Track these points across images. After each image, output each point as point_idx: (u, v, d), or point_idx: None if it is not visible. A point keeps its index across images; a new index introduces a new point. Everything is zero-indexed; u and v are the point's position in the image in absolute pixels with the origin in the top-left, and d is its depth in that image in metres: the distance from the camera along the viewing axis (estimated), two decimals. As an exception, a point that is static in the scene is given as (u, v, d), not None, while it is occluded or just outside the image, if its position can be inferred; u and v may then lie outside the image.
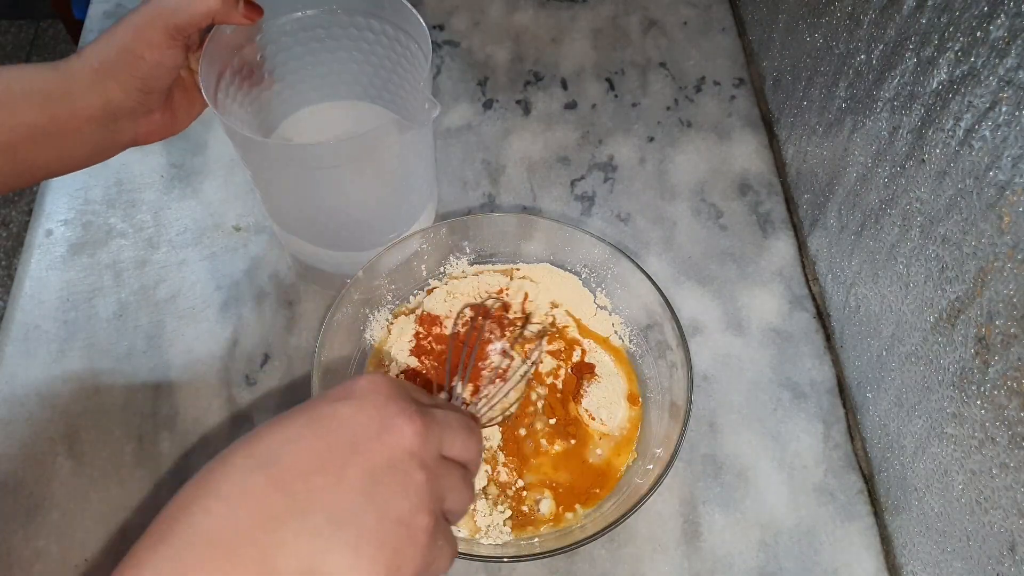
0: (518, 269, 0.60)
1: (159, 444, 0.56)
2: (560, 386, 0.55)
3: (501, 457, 0.52)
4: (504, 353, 0.55)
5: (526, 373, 0.54)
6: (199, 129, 0.71)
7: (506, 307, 0.58)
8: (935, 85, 0.46)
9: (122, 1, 0.80)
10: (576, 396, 0.54)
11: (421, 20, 0.50)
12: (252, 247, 0.65)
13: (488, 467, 0.52)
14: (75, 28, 1.46)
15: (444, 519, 0.34)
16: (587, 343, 0.57)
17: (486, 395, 0.52)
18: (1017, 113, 0.38)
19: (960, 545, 0.45)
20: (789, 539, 0.54)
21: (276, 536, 0.29)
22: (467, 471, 0.36)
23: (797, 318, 0.63)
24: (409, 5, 0.51)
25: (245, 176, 0.67)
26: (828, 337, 0.62)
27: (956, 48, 0.43)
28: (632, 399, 0.55)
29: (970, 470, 0.43)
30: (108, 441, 0.56)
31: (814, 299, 0.64)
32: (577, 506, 0.51)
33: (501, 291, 0.58)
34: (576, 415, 0.54)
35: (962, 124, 0.43)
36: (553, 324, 0.58)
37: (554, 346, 0.56)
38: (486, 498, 0.51)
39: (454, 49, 0.78)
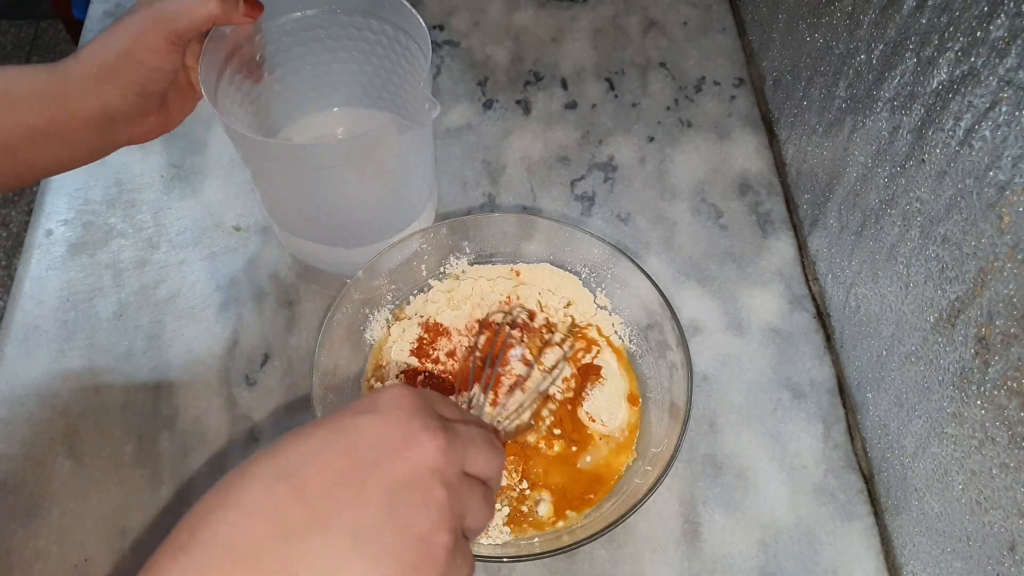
0: (519, 272, 0.60)
1: (159, 444, 0.56)
2: (571, 395, 0.55)
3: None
4: (525, 361, 0.55)
5: (546, 389, 0.54)
6: (199, 129, 0.71)
7: (532, 316, 0.57)
8: (935, 85, 0.46)
9: (122, 1, 0.80)
10: (578, 399, 0.54)
11: (421, 20, 0.50)
12: (252, 247, 0.65)
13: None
14: (75, 28, 1.46)
15: (463, 537, 0.34)
16: (602, 341, 0.57)
17: (506, 405, 0.52)
18: (1017, 113, 0.38)
19: (960, 545, 0.45)
20: (789, 539, 0.54)
21: (296, 550, 0.29)
22: (488, 488, 0.36)
23: (797, 318, 0.63)
24: (409, 5, 0.51)
25: (245, 176, 0.67)
26: (828, 337, 0.62)
27: (956, 48, 0.43)
28: (632, 399, 0.55)
29: (970, 470, 0.43)
30: (108, 441, 0.56)
31: (814, 299, 0.64)
32: (569, 512, 0.51)
33: (508, 299, 0.58)
34: (577, 418, 0.54)
35: (962, 124, 0.43)
36: (575, 325, 0.58)
37: (577, 345, 0.57)
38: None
39: (454, 49, 0.78)
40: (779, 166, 0.71)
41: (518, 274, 0.59)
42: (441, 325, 0.57)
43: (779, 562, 0.53)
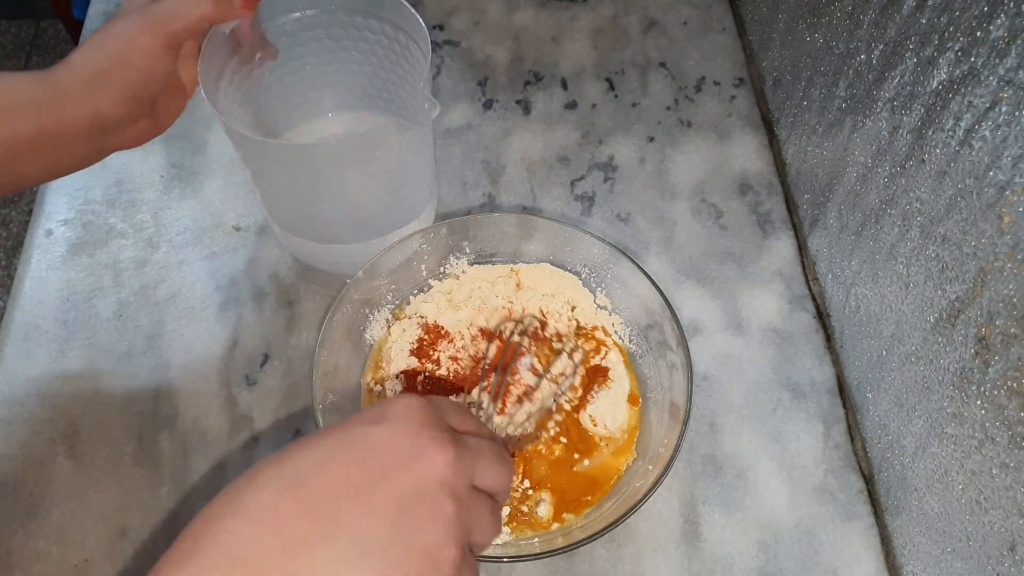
0: (518, 271, 0.60)
1: (159, 444, 0.56)
2: (577, 402, 0.55)
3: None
4: (534, 370, 0.55)
5: (556, 400, 0.54)
6: (199, 129, 0.71)
7: (543, 325, 0.57)
8: (935, 85, 0.46)
9: (121, 1, 0.80)
10: (583, 403, 0.54)
11: (421, 20, 0.50)
12: (252, 247, 0.65)
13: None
14: (75, 28, 1.46)
15: (470, 551, 0.34)
16: (608, 341, 0.57)
17: (515, 416, 0.52)
18: (1017, 113, 0.38)
19: (960, 545, 0.45)
20: (789, 539, 0.54)
21: (302, 560, 0.28)
22: (495, 503, 0.35)
23: (797, 318, 0.63)
24: (409, 5, 0.51)
25: (245, 176, 0.67)
26: (828, 337, 0.62)
27: (956, 48, 0.43)
28: (632, 399, 0.55)
29: (970, 470, 0.43)
30: (108, 441, 0.56)
31: (814, 299, 0.64)
32: (569, 512, 0.51)
33: (511, 311, 0.58)
34: (582, 427, 0.54)
35: (962, 124, 0.43)
36: (580, 328, 0.58)
37: (587, 348, 0.57)
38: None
39: (454, 49, 0.78)
40: (779, 166, 0.71)
41: (518, 274, 0.59)
42: (442, 328, 0.57)
43: (779, 562, 0.53)
